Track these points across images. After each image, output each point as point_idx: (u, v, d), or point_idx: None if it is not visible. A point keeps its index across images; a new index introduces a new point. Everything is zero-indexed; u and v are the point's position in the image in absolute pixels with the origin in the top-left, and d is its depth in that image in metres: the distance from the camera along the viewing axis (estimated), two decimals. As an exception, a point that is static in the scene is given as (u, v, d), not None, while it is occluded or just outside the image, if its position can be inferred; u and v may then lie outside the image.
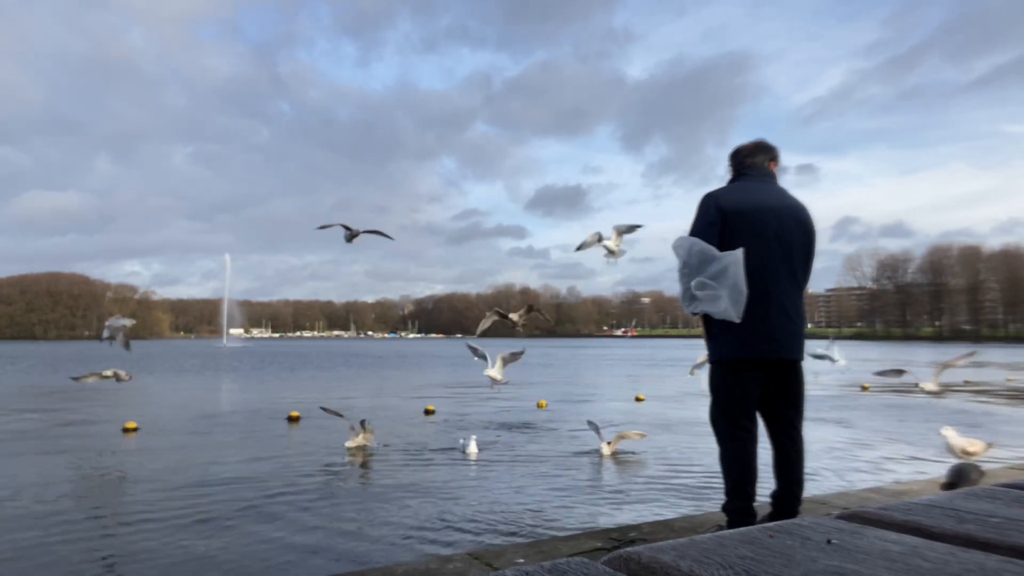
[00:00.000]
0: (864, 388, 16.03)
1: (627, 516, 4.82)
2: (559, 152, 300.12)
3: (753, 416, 2.99)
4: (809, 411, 3.13)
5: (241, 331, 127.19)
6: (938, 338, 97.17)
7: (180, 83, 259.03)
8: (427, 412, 11.63)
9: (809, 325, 3.29)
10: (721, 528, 2.96)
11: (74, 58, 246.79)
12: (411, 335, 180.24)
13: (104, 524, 4.84)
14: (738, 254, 2.69)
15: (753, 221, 2.92)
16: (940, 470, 5.19)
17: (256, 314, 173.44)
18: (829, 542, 0.84)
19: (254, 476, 6.43)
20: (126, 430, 9.54)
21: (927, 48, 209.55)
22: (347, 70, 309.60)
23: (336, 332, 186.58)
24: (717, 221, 2.92)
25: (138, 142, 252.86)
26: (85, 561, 4.01)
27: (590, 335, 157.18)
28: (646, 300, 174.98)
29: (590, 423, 7.54)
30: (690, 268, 2.78)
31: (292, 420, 10.67)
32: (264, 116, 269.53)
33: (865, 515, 0.98)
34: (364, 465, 7.09)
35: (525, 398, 13.81)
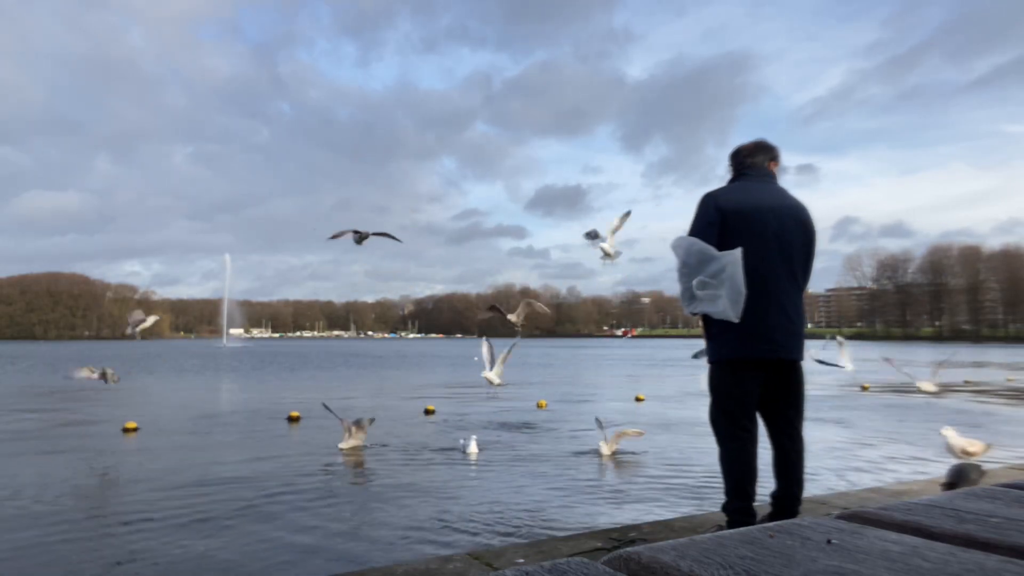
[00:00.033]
0: (864, 388, 16.03)
1: (627, 516, 4.82)
2: (559, 152, 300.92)
3: (753, 416, 2.99)
4: (809, 411, 3.13)
5: (241, 331, 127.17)
6: (938, 338, 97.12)
7: (180, 83, 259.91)
8: (427, 412, 11.63)
9: (809, 325, 3.29)
10: (721, 528, 2.96)
11: (74, 58, 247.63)
12: (411, 335, 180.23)
13: (104, 524, 4.84)
14: (736, 254, 2.68)
15: (753, 221, 2.92)
16: (940, 470, 5.18)
17: (256, 314, 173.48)
18: (829, 542, 0.84)
19: (254, 476, 6.43)
20: (126, 430, 9.54)
21: (927, 48, 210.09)
22: (347, 70, 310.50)
23: (336, 332, 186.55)
24: (716, 221, 2.92)
25: (138, 142, 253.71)
26: (84, 561, 4.01)
27: (590, 335, 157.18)
28: (646, 300, 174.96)
29: (597, 420, 7.55)
30: (689, 268, 2.78)
31: (292, 420, 10.67)
32: (264, 116, 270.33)
33: (865, 515, 0.98)
34: (364, 465, 7.09)
35: (525, 398, 13.81)
